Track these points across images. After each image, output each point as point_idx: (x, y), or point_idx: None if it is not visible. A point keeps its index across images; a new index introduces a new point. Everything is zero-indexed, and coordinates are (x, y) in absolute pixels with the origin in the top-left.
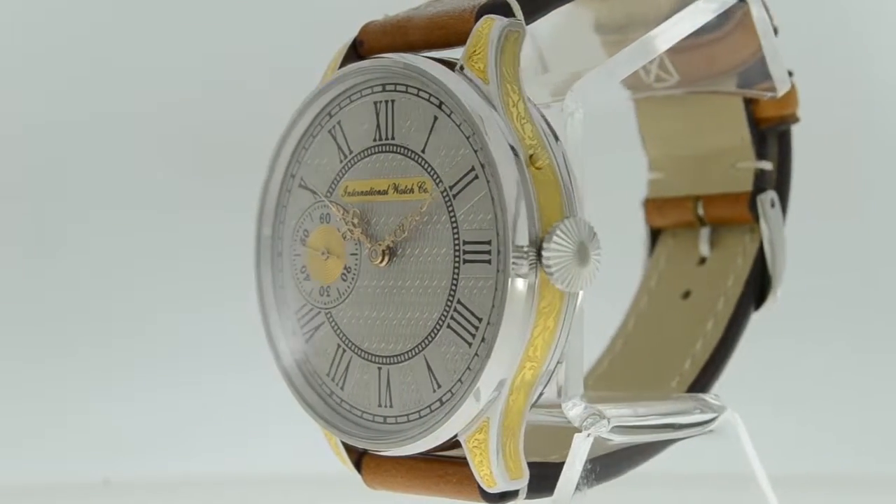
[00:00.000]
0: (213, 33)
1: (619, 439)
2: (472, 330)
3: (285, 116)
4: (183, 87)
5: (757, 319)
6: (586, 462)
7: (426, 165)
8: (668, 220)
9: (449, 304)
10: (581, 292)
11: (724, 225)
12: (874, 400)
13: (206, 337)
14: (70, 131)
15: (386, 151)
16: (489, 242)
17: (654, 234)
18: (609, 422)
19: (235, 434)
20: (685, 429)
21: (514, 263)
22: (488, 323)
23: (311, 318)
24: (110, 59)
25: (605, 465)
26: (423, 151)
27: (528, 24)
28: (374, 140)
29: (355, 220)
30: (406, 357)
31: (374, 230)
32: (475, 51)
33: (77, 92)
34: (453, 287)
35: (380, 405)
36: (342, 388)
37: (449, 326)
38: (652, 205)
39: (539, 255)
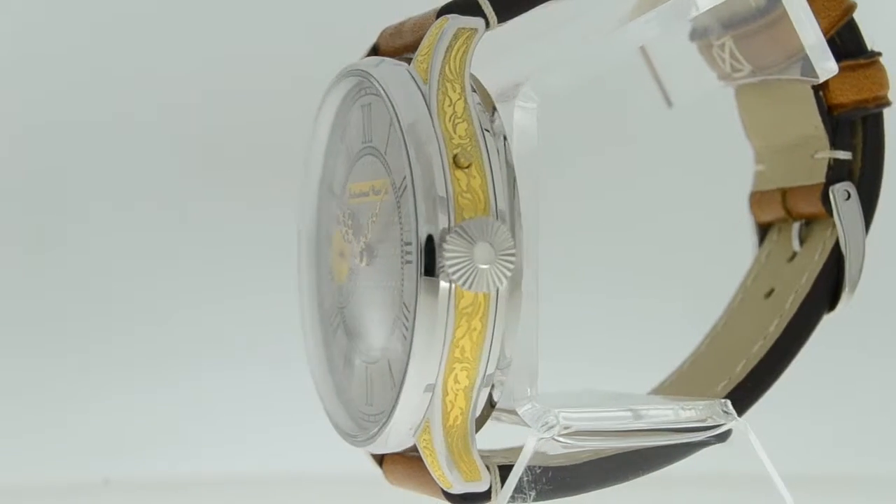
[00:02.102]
0: (215, 34)
1: (584, 444)
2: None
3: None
4: (184, 87)
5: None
6: (536, 468)
7: (387, 167)
8: (766, 214)
9: (398, 304)
10: (517, 292)
11: (815, 219)
12: (875, 400)
13: (207, 336)
14: (71, 131)
15: (368, 154)
16: (411, 243)
17: (764, 229)
18: (564, 426)
19: (236, 434)
20: (677, 434)
21: (420, 262)
22: None
23: (332, 317)
24: (111, 59)
25: (579, 473)
26: (385, 153)
27: (501, 22)
28: (362, 143)
29: (349, 222)
30: (379, 357)
31: (360, 231)
32: (425, 50)
33: (78, 92)
34: (401, 287)
35: (367, 403)
36: (349, 387)
37: (398, 327)
38: (753, 199)
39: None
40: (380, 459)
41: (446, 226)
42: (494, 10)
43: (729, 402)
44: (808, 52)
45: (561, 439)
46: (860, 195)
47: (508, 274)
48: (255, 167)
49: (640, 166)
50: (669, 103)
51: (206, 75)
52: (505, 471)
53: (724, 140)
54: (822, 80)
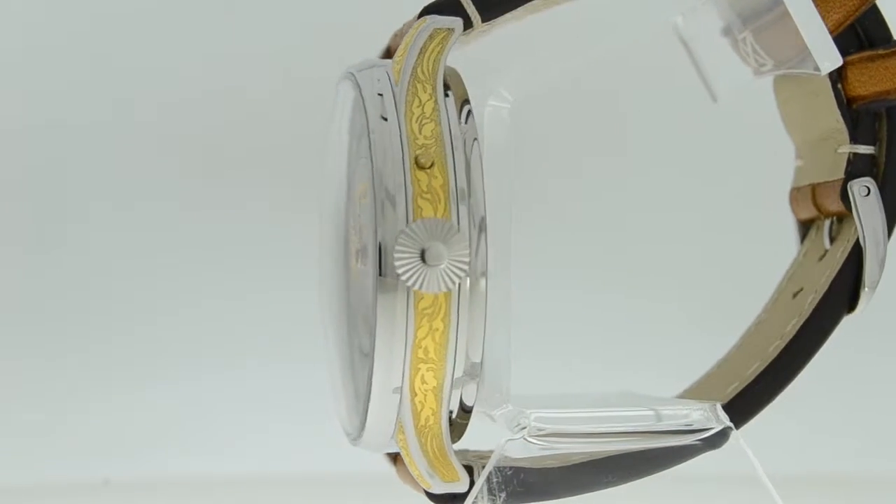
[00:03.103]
0: (216, 33)
1: (560, 446)
2: None
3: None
4: (185, 86)
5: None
6: (506, 469)
7: (370, 169)
8: (802, 211)
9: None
10: (480, 292)
11: (844, 216)
12: (874, 400)
13: (207, 337)
14: (71, 131)
15: (364, 156)
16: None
17: (807, 227)
18: (538, 428)
19: (236, 434)
20: (662, 438)
21: (376, 264)
22: None
23: (357, 316)
24: (112, 58)
25: (550, 477)
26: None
27: (486, 21)
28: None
29: (352, 222)
30: (370, 356)
31: (358, 233)
32: (401, 51)
33: (78, 91)
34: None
35: None
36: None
37: None
38: (791, 195)
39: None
40: (394, 458)
41: (404, 227)
42: (478, 9)
43: (719, 405)
44: (807, 43)
45: (534, 441)
46: (883, 190)
47: (462, 275)
48: (255, 167)
49: (637, 167)
50: (714, 98)
51: (206, 74)
52: (508, 471)
53: (724, 140)
54: (823, 72)
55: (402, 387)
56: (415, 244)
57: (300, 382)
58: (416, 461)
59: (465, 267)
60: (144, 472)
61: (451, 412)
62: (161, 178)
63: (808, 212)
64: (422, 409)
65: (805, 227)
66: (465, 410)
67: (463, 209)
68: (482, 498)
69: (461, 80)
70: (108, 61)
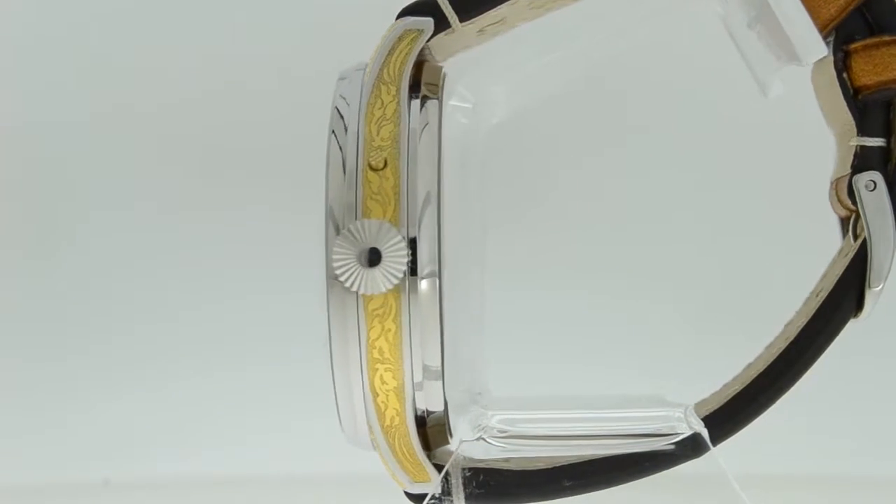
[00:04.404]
0: (214, 34)
1: (522, 448)
2: None
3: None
4: (184, 86)
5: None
6: (466, 470)
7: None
8: (834, 207)
9: None
10: (429, 294)
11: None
12: (874, 400)
13: (207, 337)
14: (71, 131)
15: None
16: None
17: (846, 223)
18: (500, 430)
19: (236, 434)
20: (633, 441)
21: (325, 266)
22: None
23: None
24: (112, 58)
25: (508, 481)
26: None
27: (464, 21)
28: None
29: None
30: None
31: None
32: (374, 53)
33: (78, 91)
34: None
35: None
36: None
37: None
38: (829, 191)
39: None
40: None
41: (343, 230)
42: (455, 10)
43: (691, 408)
44: (786, 32)
45: (494, 442)
46: (894, 185)
47: (400, 275)
48: (255, 167)
49: (636, 167)
50: (765, 94)
51: (206, 74)
52: (468, 472)
53: (724, 139)
54: (805, 64)
55: (362, 387)
56: (353, 246)
57: (300, 382)
58: (386, 460)
59: (403, 267)
60: (144, 472)
61: (423, 412)
62: (161, 178)
63: (837, 208)
64: (386, 409)
65: (845, 224)
66: (432, 412)
67: (413, 209)
68: (458, 498)
69: (440, 79)
70: (108, 61)
